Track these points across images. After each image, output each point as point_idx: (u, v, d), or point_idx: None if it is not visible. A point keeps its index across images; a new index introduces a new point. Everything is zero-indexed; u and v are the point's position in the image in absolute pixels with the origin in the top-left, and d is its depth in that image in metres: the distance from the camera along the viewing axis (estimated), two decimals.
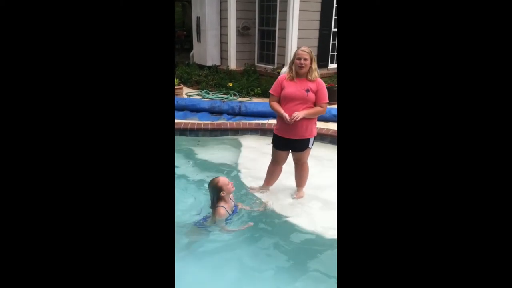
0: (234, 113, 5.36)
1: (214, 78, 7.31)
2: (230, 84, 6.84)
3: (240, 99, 6.36)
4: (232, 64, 7.81)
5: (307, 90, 2.77)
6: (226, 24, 7.59)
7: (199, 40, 8.12)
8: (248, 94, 6.60)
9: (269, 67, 7.43)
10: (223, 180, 2.73)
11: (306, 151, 3.00)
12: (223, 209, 2.68)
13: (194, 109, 5.51)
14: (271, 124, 4.77)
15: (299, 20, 6.60)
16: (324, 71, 6.87)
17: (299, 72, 2.78)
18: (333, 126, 4.61)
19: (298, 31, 6.67)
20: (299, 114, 2.72)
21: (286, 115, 2.76)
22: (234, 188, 2.80)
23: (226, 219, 2.69)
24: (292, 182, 3.27)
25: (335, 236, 2.34)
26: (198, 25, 8.01)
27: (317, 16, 6.92)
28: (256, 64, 7.82)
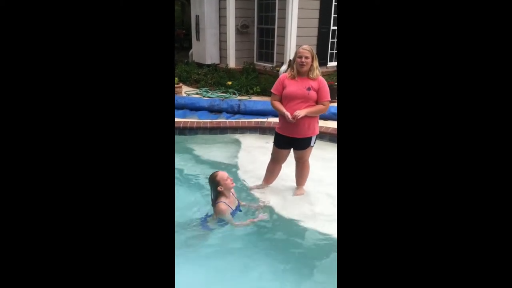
0: (233, 112, 5.36)
1: (213, 76, 7.30)
2: (229, 83, 6.84)
3: (239, 97, 6.35)
4: (231, 63, 7.80)
5: (309, 89, 2.77)
6: (225, 22, 7.58)
7: (198, 39, 8.11)
8: (247, 93, 6.59)
9: (268, 65, 7.43)
10: (221, 174, 2.69)
11: (308, 149, 3.00)
12: (224, 204, 2.64)
13: (194, 108, 5.50)
14: (270, 122, 4.77)
15: (298, 18, 6.59)
16: (323, 69, 6.82)
17: (300, 71, 2.78)
18: (332, 124, 4.62)
19: (297, 29, 6.66)
20: (300, 113, 2.72)
21: (288, 114, 2.76)
22: (234, 184, 2.76)
23: (231, 215, 2.65)
24: (292, 181, 3.27)
25: (335, 235, 2.34)
26: (197, 24, 7.99)
27: (316, 14, 6.91)
28: (255, 62, 7.82)
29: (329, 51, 7.37)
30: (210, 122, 4.82)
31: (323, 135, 4.23)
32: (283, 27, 6.79)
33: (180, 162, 3.84)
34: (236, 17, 7.50)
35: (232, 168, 3.71)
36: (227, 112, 5.37)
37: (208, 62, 7.97)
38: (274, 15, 7.04)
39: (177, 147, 3.87)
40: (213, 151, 4.27)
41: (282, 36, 6.84)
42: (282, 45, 6.91)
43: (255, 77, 7.05)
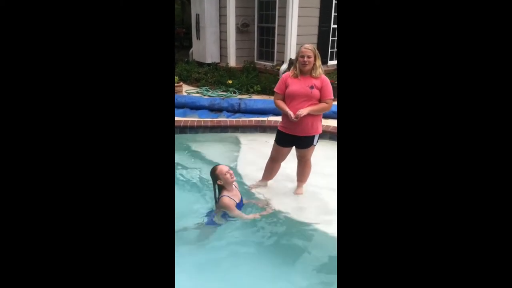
0: (234, 111, 5.36)
1: (214, 75, 7.30)
2: (230, 81, 6.84)
3: (239, 96, 6.35)
4: (232, 61, 7.80)
5: (311, 87, 2.77)
6: (226, 21, 7.58)
7: (198, 38, 8.11)
8: (247, 91, 6.59)
9: (268, 64, 7.43)
10: (220, 168, 2.66)
11: (311, 148, 3.00)
12: (227, 198, 2.61)
13: (194, 107, 5.50)
14: (270, 121, 4.77)
15: (298, 16, 6.59)
16: (323, 67, 6.86)
17: (303, 70, 2.79)
18: (332, 122, 4.62)
19: (298, 28, 6.67)
20: (303, 111, 2.72)
21: (291, 112, 2.76)
22: (234, 177, 2.71)
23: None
24: (292, 181, 3.27)
25: (335, 234, 2.34)
26: (197, 22, 7.99)
27: (316, 12, 6.91)
28: (255, 61, 7.82)
29: (329, 50, 7.37)
30: (210, 121, 4.82)
31: (324, 134, 4.23)
32: (283, 26, 6.79)
33: (181, 160, 3.84)
34: (236, 15, 7.50)
35: (232, 167, 3.71)
36: (228, 111, 5.38)
37: (209, 61, 7.97)
38: (275, 14, 7.04)
39: (177, 146, 3.89)
40: (213, 149, 4.28)
41: (283, 34, 6.84)
42: (282, 43, 6.91)
43: (256, 75, 7.05)
